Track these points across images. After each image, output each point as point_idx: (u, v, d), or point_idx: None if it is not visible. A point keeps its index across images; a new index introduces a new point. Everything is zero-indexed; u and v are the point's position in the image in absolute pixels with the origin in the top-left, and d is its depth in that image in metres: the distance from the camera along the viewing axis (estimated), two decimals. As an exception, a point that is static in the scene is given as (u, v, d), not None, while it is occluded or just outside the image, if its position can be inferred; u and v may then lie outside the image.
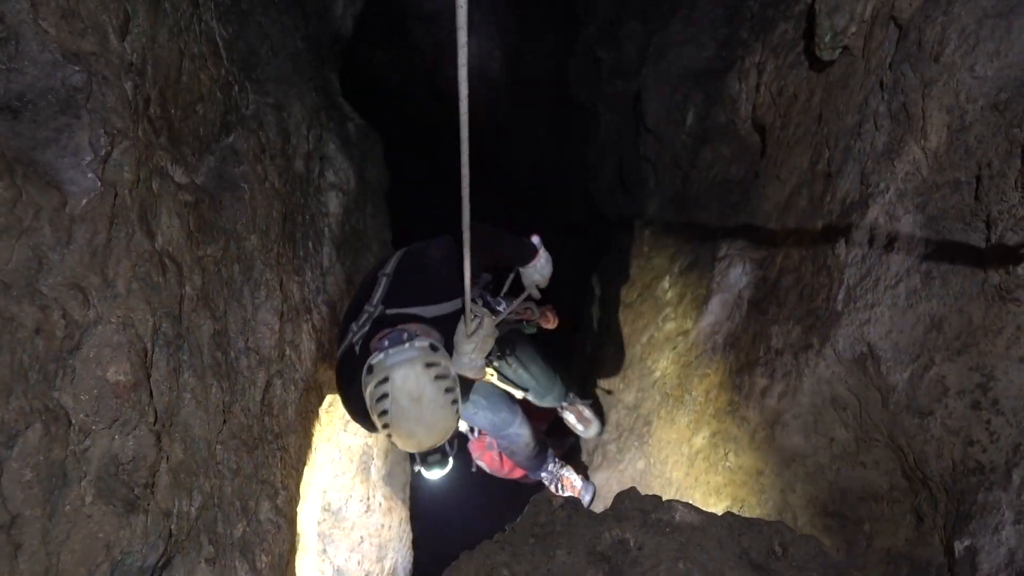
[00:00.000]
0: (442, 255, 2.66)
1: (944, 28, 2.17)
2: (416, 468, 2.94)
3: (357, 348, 2.63)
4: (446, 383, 2.51)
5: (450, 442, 2.68)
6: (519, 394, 3.68)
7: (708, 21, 4.55)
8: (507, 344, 3.51)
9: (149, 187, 2.10)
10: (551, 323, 3.67)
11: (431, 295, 2.83)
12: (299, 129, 3.44)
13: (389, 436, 2.50)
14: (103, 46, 1.97)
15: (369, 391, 2.47)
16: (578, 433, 4.29)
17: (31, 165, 1.76)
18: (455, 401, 2.54)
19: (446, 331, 2.82)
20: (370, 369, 2.45)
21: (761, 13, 3.79)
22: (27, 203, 1.72)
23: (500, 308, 3.38)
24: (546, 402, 3.93)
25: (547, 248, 3.18)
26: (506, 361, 3.56)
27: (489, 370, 3.39)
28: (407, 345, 2.47)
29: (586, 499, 3.96)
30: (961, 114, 2.10)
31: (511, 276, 3.26)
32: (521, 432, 3.69)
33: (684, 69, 4.52)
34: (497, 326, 3.02)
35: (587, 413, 4.27)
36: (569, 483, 4.05)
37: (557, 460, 4.10)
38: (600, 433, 4.28)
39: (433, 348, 2.54)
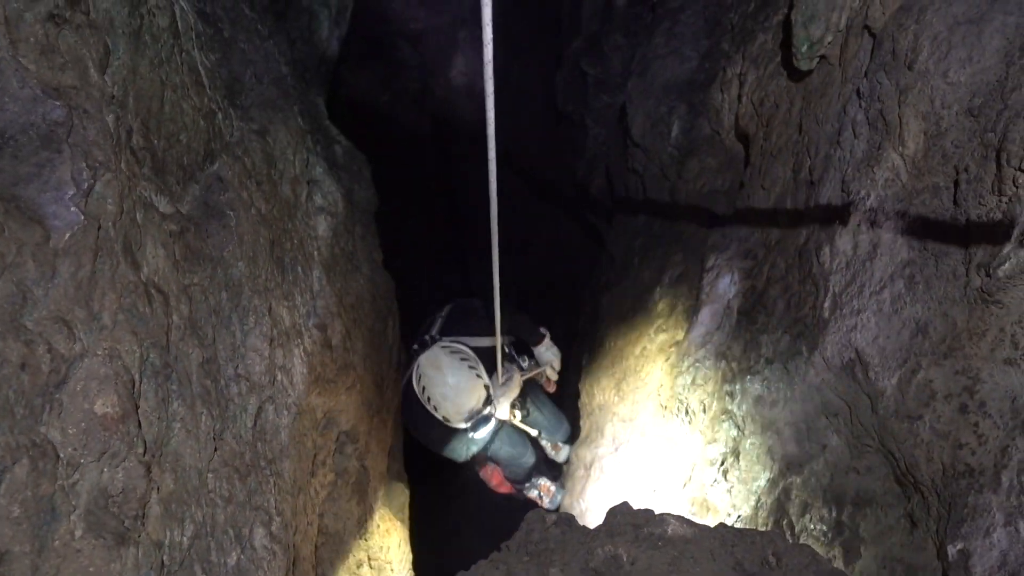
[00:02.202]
0: (482, 304, 3.60)
1: (917, 36, 2.19)
2: (469, 435, 3.84)
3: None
4: (459, 355, 3.54)
5: (486, 409, 3.64)
6: (533, 432, 4.60)
7: (690, 34, 4.59)
8: (527, 393, 4.45)
9: (133, 218, 2.11)
10: (551, 388, 4.67)
11: (474, 330, 3.86)
12: (285, 154, 3.45)
13: (437, 411, 3.49)
14: (83, 80, 1.98)
15: (416, 389, 3.53)
16: (551, 456, 5.18)
17: (12, 201, 1.77)
18: (471, 367, 3.55)
19: (484, 359, 3.74)
20: (415, 373, 3.53)
21: (741, 25, 3.83)
22: (9, 239, 1.72)
23: (524, 364, 4.43)
24: (555, 439, 4.97)
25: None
26: (525, 408, 4.47)
27: (514, 412, 4.27)
28: (432, 347, 3.58)
29: (557, 498, 4.90)
30: (937, 120, 2.13)
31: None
32: (529, 461, 4.76)
33: (668, 81, 4.55)
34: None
35: (560, 442, 5.21)
36: (546, 488, 4.99)
37: (543, 477, 5.10)
38: (567, 459, 5.12)
39: (453, 344, 3.65)
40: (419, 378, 3.53)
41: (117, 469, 1.89)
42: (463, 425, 3.68)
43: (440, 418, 3.59)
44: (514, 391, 4.06)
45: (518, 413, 4.38)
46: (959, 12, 2.09)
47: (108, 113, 2.05)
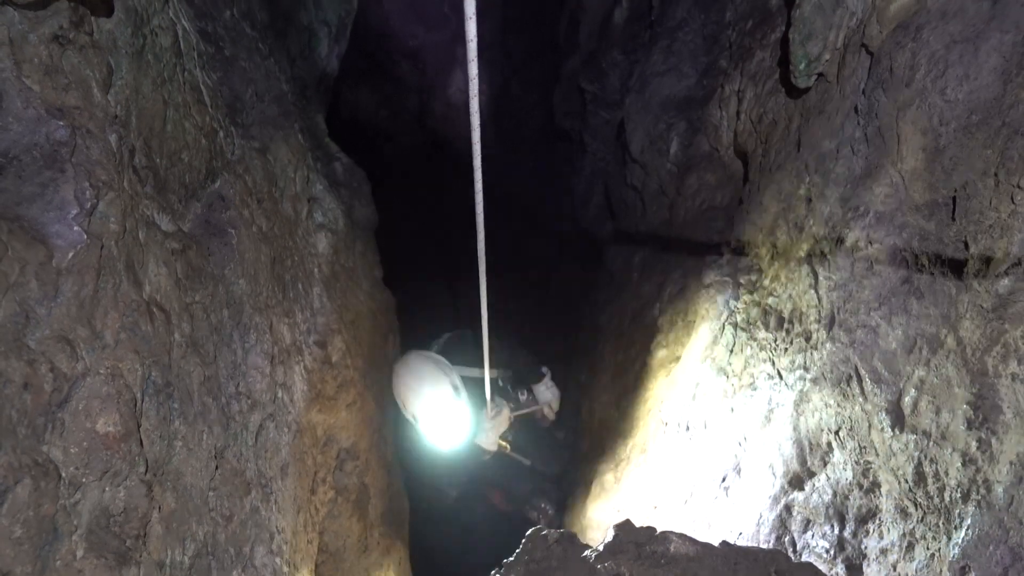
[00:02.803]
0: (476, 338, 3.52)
1: (914, 54, 2.21)
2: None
3: None
4: (427, 353, 3.80)
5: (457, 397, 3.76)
6: (527, 462, 4.78)
7: (688, 51, 4.62)
8: (519, 425, 4.55)
9: (135, 237, 2.12)
10: (547, 423, 4.79)
11: (469, 360, 3.96)
12: (285, 172, 3.46)
13: (407, 411, 3.74)
14: (87, 100, 1.99)
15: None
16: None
17: (16, 220, 1.78)
18: (437, 363, 3.73)
19: (473, 389, 3.89)
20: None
21: (739, 42, 3.86)
22: (13, 259, 1.73)
23: (522, 398, 4.55)
24: (548, 468, 5.15)
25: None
26: (515, 440, 4.58)
27: (504, 443, 4.42)
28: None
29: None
30: (935, 137, 2.14)
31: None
32: (526, 486, 5.13)
33: (666, 98, 4.58)
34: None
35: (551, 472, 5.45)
36: (543, 509, 5.26)
37: (544, 500, 5.40)
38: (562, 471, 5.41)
39: (428, 352, 3.89)
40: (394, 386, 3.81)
41: (119, 488, 1.89)
42: (428, 417, 3.76)
43: (409, 416, 3.76)
44: (503, 425, 4.19)
45: (507, 445, 4.50)
46: (955, 31, 2.11)
47: (111, 132, 2.06)
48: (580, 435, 5.41)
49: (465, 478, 4.85)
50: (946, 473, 2.00)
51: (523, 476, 5.01)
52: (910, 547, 2.17)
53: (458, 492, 5.04)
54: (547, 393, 4.47)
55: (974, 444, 1.94)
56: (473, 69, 1.78)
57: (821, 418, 2.52)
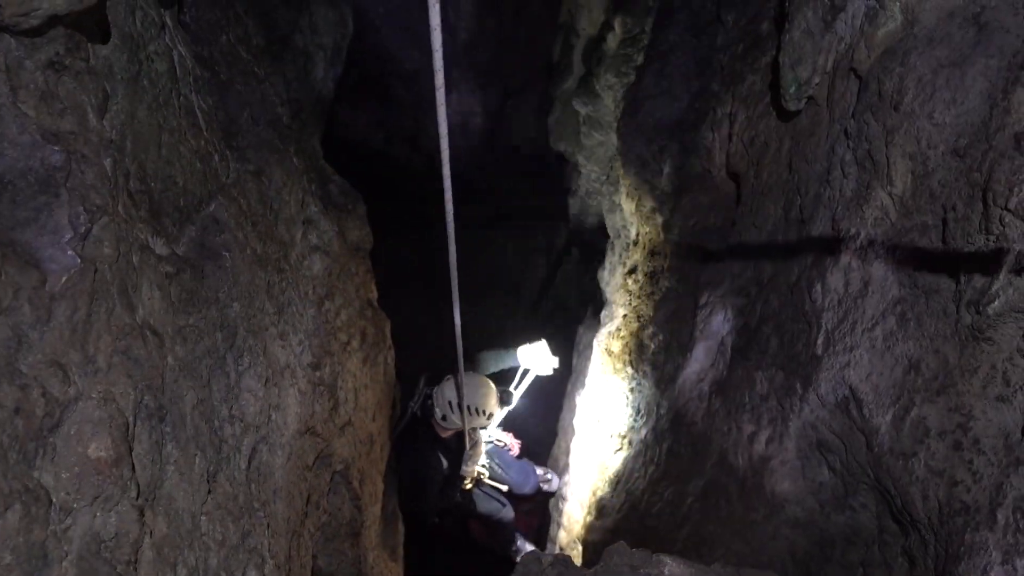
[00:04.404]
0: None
1: (902, 78, 2.24)
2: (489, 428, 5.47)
3: (418, 412, 5.06)
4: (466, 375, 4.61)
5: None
6: (504, 487, 5.57)
7: (680, 74, 4.65)
8: (491, 455, 5.54)
9: (129, 260, 2.12)
10: (515, 451, 5.80)
11: None
12: (280, 194, 3.47)
13: (485, 415, 4.94)
14: (82, 125, 2.00)
15: (442, 409, 4.92)
16: (544, 489, 6.14)
17: (10, 245, 1.78)
18: (474, 375, 4.90)
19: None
20: (439, 400, 5.00)
21: (730, 65, 3.89)
22: (6, 283, 1.73)
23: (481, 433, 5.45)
24: (524, 490, 5.82)
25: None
26: (490, 468, 5.47)
27: (481, 469, 5.30)
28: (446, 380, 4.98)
29: None
30: (924, 160, 2.16)
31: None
32: (508, 516, 5.72)
33: (659, 121, 4.61)
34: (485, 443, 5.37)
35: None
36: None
37: (523, 539, 6.09)
38: (559, 487, 5.96)
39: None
40: (446, 402, 4.79)
41: (110, 514, 1.88)
42: (498, 409, 4.98)
43: (485, 414, 4.80)
44: (481, 449, 5.11)
45: (486, 472, 5.33)
46: (942, 55, 2.13)
47: (106, 157, 2.07)
48: (574, 455, 5.40)
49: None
50: (937, 495, 2.01)
51: (501, 507, 5.63)
52: (908, 556, 2.17)
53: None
54: (496, 431, 5.59)
55: (963, 466, 1.94)
56: (440, 96, 1.84)
57: (819, 436, 2.52)
